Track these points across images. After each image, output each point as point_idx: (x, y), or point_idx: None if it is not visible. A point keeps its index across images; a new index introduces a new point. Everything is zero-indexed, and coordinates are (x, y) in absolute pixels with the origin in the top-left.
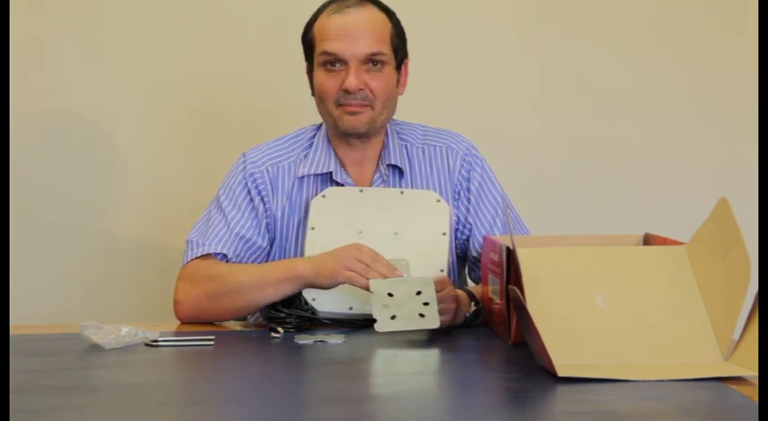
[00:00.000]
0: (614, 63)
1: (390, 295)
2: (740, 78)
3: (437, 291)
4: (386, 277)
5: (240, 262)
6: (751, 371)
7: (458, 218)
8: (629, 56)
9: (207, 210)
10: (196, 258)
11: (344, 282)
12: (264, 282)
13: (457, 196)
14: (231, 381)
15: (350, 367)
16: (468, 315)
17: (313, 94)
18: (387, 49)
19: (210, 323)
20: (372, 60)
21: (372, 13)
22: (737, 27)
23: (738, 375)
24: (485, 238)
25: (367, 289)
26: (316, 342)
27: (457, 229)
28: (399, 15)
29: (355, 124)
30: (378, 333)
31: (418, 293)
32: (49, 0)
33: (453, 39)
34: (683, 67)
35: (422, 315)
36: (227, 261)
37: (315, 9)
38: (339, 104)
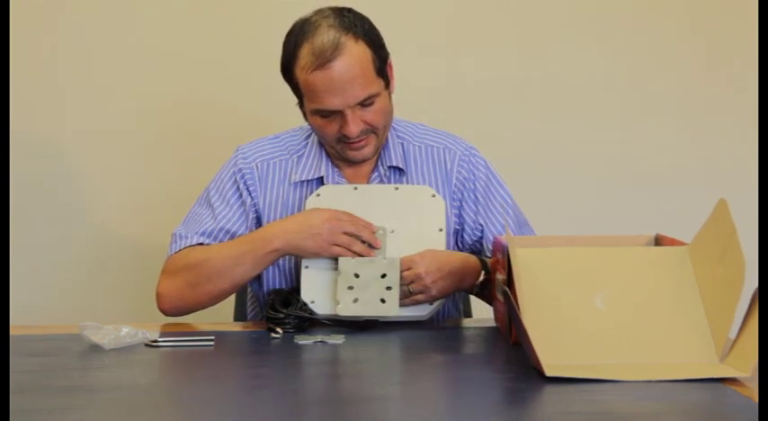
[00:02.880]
0: (618, 63)
1: (357, 276)
2: (742, 77)
3: (403, 270)
4: (370, 244)
5: None
6: (743, 373)
7: (462, 218)
8: (634, 55)
9: (195, 203)
10: (179, 251)
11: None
12: (244, 262)
13: (459, 196)
14: (231, 382)
15: (350, 367)
16: (476, 285)
17: (305, 117)
18: (376, 84)
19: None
20: (365, 102)
21: (351, 53)
22: (739, 24)
23: (732, 376)
24: (495, 239)
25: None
26: (315, 342)
27: (464, 230)
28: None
29: (362, 156)
30: (375, 333)
31: (383, 276)
32: (44, 1)
33: (453, 39)
34: (685, 66)
35: (383, 300)
36: None
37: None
38: (341, 141)
